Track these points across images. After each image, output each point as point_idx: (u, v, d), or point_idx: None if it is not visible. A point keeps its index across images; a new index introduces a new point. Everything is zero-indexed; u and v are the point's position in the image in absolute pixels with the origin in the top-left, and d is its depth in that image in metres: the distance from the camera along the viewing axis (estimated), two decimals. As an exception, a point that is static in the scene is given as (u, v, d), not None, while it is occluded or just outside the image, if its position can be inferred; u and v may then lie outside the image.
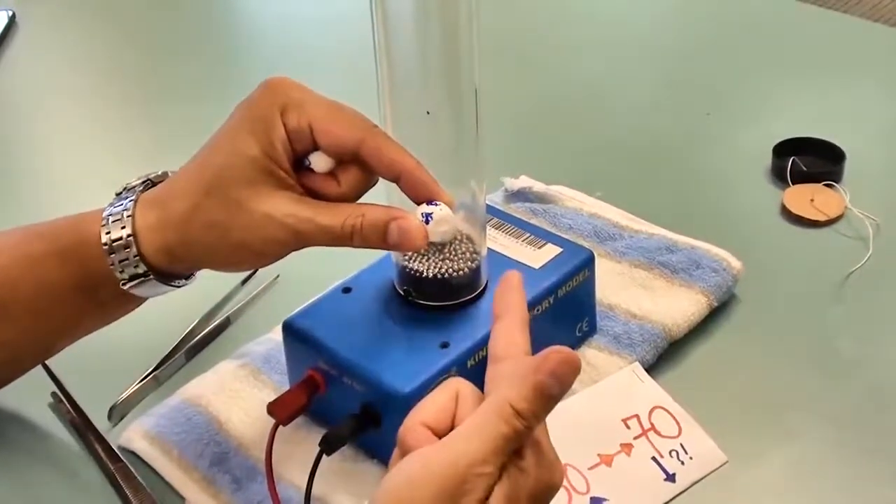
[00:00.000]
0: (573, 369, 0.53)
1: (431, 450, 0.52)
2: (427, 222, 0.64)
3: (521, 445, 0.53)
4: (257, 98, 0.65)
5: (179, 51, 1.32)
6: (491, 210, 0.80)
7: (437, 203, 0.64)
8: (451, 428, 0.54)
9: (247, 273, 0.89)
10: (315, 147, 0.64)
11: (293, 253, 0.78)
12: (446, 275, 0.70)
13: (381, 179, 0.66)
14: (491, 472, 0.51)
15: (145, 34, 1.38)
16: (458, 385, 0.57)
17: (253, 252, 0.64)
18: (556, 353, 0.53)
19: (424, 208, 0.64)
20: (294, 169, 0.65)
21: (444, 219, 0.64)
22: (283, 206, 0.63)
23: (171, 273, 0.67)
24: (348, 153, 0.64)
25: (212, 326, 0.84)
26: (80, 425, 0.76)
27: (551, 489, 0.55)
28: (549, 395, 0.53)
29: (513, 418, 0.52)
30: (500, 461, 0.52)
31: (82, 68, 1.32)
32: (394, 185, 0.65)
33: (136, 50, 1.34)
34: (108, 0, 1.46)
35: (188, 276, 0.69)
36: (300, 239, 0.63)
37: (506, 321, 0.59)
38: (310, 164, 0.65)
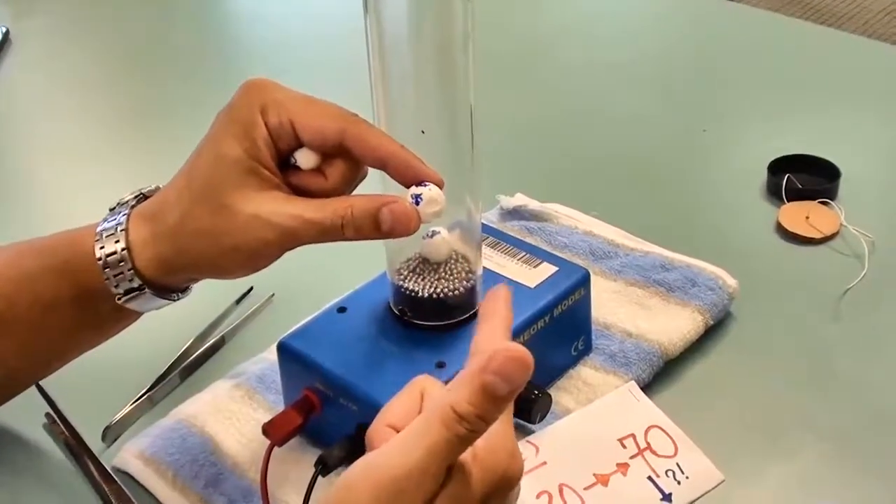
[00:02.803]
0: (523, 366, 0.48)
1: (375, 455, 0.50)
2: (417, 204, 0.63)
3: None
4: (237, 101, 0.64)
5: (174, 67, 1.32)
6: (486, 229, 0.80)
7: (427, 184, 0.63)
8: None
9: (241, 292, 0.89)
10: (298, 144, 0.64)
11: (287, 272, 0.78)
12: (442, 294, 0.70)
13: (372, 170, 0.66)
14: (432, 481, 0.49)
15: (139, 51, 1.38)
16: (424, 383, 0.55)
17: (246, 255, 0.64)
18: (503, 350, 0.48)
19: (413, 190, 0.63)
20: (280, 168, 0.64)
21: (433, 199, 0.63)
22: (271, 206, 0.63)
23: (166, 286, 0.67)
24: (332, 145, 0.63)
25: (206, 346, 0.84)
26: (75, 446, 0.76)
27: (508, 481, 0.52)
28: (496, 395, 0.48)
29: (455, 424, 0.48)
30: (443, 468, 0.49)
31: (76, 84, 1.32)
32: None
33: (129, 66, 1.34)
34: (103, 16, 1.46)
35: (184, 290, 0.69)
36: (291, 237, 0.63)
37: (490, 323, 0.56)
38: (295, 161, 0.64)
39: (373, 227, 0.63)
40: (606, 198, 0.98)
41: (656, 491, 0.70)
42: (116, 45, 1.40)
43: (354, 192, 0.66)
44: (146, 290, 0.65)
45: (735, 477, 0.71)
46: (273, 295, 0.89)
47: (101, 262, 0.65)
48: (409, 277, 0.71)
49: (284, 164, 0.65)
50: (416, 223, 0.63)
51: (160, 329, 0.80)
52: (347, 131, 0.63)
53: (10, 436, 0.78)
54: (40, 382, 0.77)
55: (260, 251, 0.64)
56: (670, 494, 0.70)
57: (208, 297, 0.86)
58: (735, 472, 0.71)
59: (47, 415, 0.78)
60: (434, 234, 0.70)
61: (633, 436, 0.73)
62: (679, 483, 0.71)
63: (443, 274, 0.70)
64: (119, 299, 0.66)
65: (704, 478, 0.71)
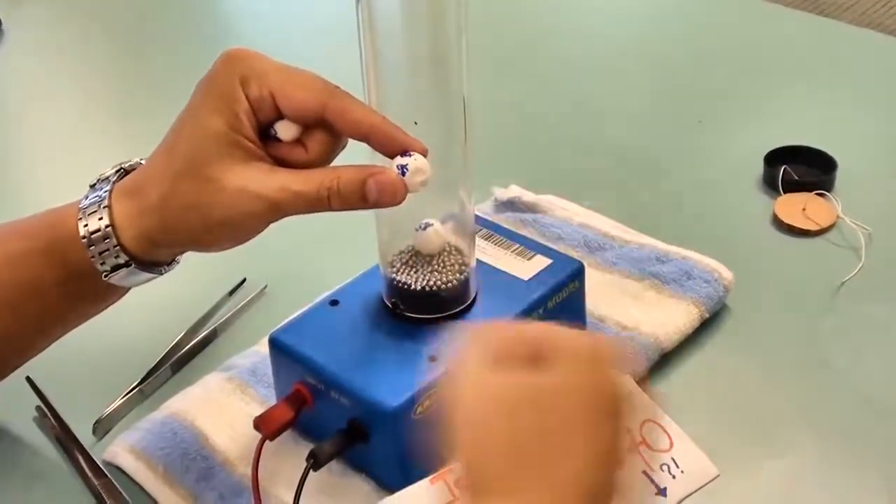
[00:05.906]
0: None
1: None
2: (403, 174, 0.62)
3: None
4: (216, 72, 0.64)
5: (167, 55, 1.31)
6: (480, 221, 0.79)
7: (411, 154, 0.63)
8: None
9: (234, 284, 0.88)
10: (279, 115, 0.63)
11: (280, 263, 0.78)
12: (434, 287, 0.70)
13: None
14: None
15: (134, 38, 1.37)
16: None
17: (233, 228, 0.64)
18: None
19: (399, 160, 0.62)
20: (260, 139, 0.64)
21: (419, 168, 0.62)
22: (257, 178, 0.62)
23: (152, 261, 0.67)
24: (313, 117, 0.63)
25: (198, 338, 0.83)
26: (65, 440, 0.75)
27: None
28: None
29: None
30: None
31: (69, 74, 1.31)
32: None
33: (123, 55, 1.34)
34: (96, 5, 1.45)
35: (170, 262, 0.68)
36: (278, 209, 0.62)
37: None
38: (276, 133, 0.64)
39: (359, 197, 0.62)
40: (601, 189, 0.98)
41: (651, 485, 0.70)
42: (109, 35, 1.39)
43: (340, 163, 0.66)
44: (132, 265, 0.65)
45: (730, 471, 0.70)
46: (266, 286, 0.88)
47: (85, 240, 0.64)
48: (401, 270, 0.70)
49: (264, 134, 0.64)
50: (403, 193, 0.63)
51: (151, 321, 0.80)
52: (329, 105, 0.62)
53: (0, 429, 0.77)
54: (31, 376, 0.77)
55: (247, 224, 0.63)
56: (665, 489, 0.69)
57: (200, 288, 0.85)
58: (731, 465, 0.70)
59: (37, 408, 0.78)
60: (427, 226, 0.69)
61: (628, 430, 0.73)
62: (674, 477, 0.70)
63: (436, 266, 0.70)
64: (105, 276, 0.65)
65: (699, 472, 0.70)
